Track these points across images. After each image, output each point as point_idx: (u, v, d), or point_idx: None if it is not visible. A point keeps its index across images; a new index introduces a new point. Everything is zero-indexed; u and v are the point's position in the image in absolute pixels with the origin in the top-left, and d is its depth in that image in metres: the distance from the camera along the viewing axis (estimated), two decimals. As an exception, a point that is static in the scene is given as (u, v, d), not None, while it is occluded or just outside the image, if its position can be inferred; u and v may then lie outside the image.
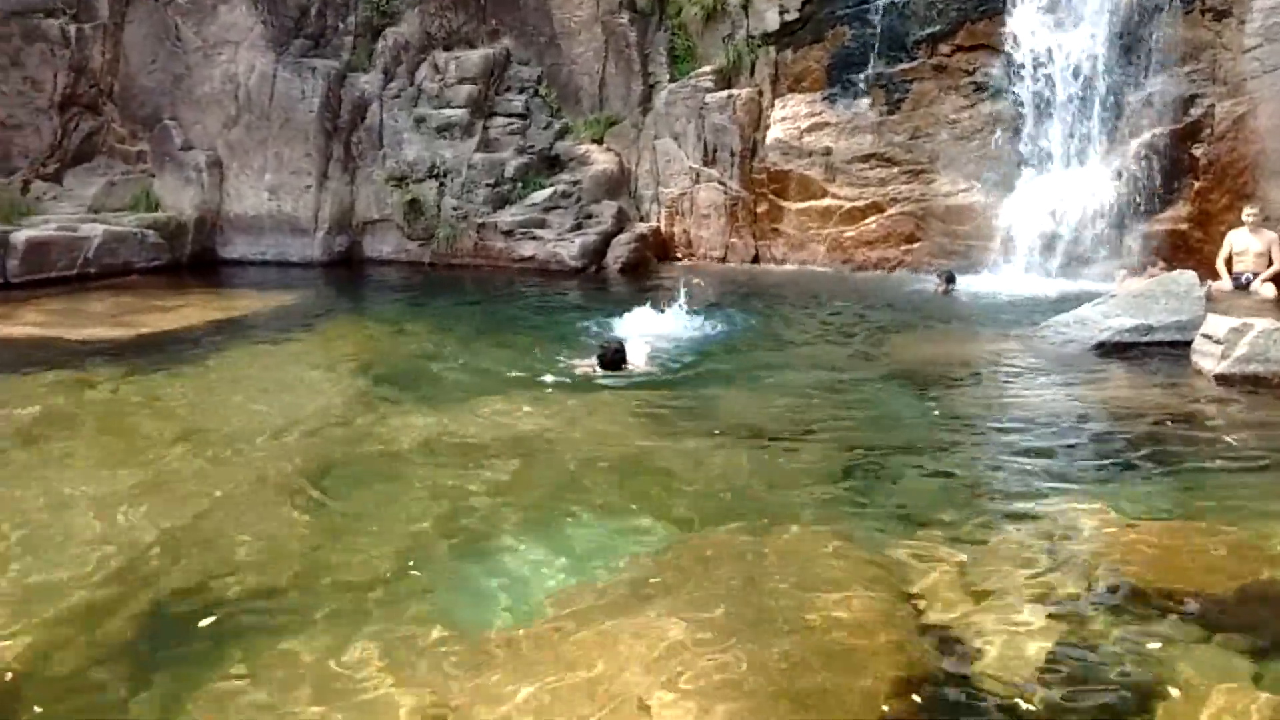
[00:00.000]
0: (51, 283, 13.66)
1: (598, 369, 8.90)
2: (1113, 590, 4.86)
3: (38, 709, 4.09)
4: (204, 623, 4.77)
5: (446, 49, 16.71)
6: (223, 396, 8.69)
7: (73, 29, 16.01)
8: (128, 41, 16.55)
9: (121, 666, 4.44)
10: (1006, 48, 13.70)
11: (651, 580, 4.99)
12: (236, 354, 10.16)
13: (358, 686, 4.14)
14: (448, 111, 16.07)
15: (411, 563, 5.34)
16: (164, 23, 16.46)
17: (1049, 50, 13.46)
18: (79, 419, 8.03)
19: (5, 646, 4.53)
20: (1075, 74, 13.31)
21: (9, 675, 4.32)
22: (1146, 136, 12.84)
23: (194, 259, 15.72)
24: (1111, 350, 9.46)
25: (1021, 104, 13.65)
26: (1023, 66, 13.59)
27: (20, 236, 13.75)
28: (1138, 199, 12.87)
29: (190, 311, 12.14)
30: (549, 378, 8.79)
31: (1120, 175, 12.94)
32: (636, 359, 9.15)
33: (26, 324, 11.35)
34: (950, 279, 12.94)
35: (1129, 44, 13.06)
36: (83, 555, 5.46)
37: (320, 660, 4.35)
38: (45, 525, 5.87)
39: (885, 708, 3.93)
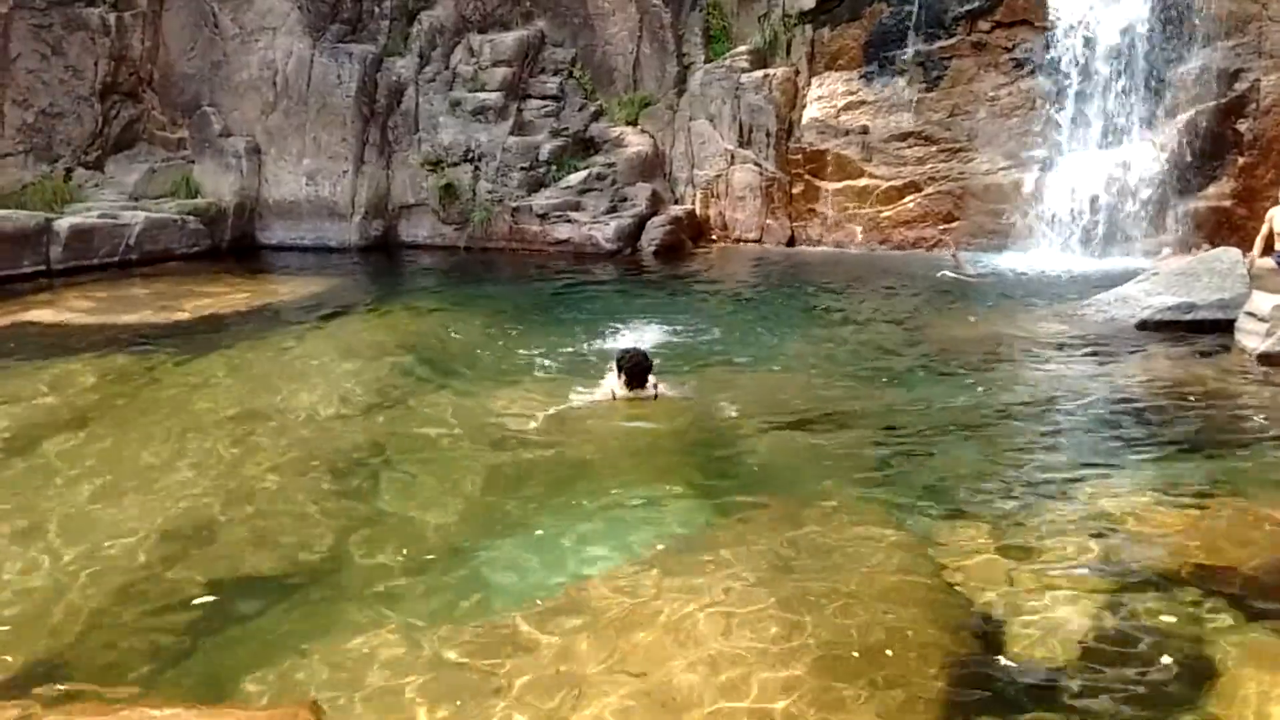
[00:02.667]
0: (94, 269, 13.81)
1: (617, 391, 7.43)
2: (1152, 569, 4.84)
3: (70, 683, 4.18)
4: (246, 598, 4.86)
5: (481, 31, 16.71)
6: (265, 380, 8.78)
7: (112, 17, 16.13)
8: (166, 29, 16.67)
9: (165, 638, 4.53)
10: (1047, 23, 13.53)
11: (694, 558, 5.02)
12: (277, 338, 10.26)
13: (407, 662, 4.19)
14: (482, 95, 16.08)
15: (455, 541, 5.40)
16: (201, 10, 16.56)
17: (1091, 25, 13.27)
18: (125, 402, 8.14)
19: (56, 617, 4.64)
20: (1117, 49, 13.12)
21: (61, 644, 4.42)
22: (1190, 112, 12.65)
23: (233, 244, 15.83)
24: (1154, 328, 9.35)
25: (1062, 80, 13.48)
26: (1064, 42, 13.41)
27: (64, 224, 13.90)
28: (1180, 175, 12.69)
29: (231, 296, 12.26)
30: (579, 390, 7.85)
31: (1163, 151, 12.75)
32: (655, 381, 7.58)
33: (72, 310, 11.50)
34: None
35: (1173, 18, 12.85)
36: (127, 534, 5.56)
37: (365, 636, 4.40)
38: (92, 505, 5.98)
39: (926, 685, 3.93)
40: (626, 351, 7.61)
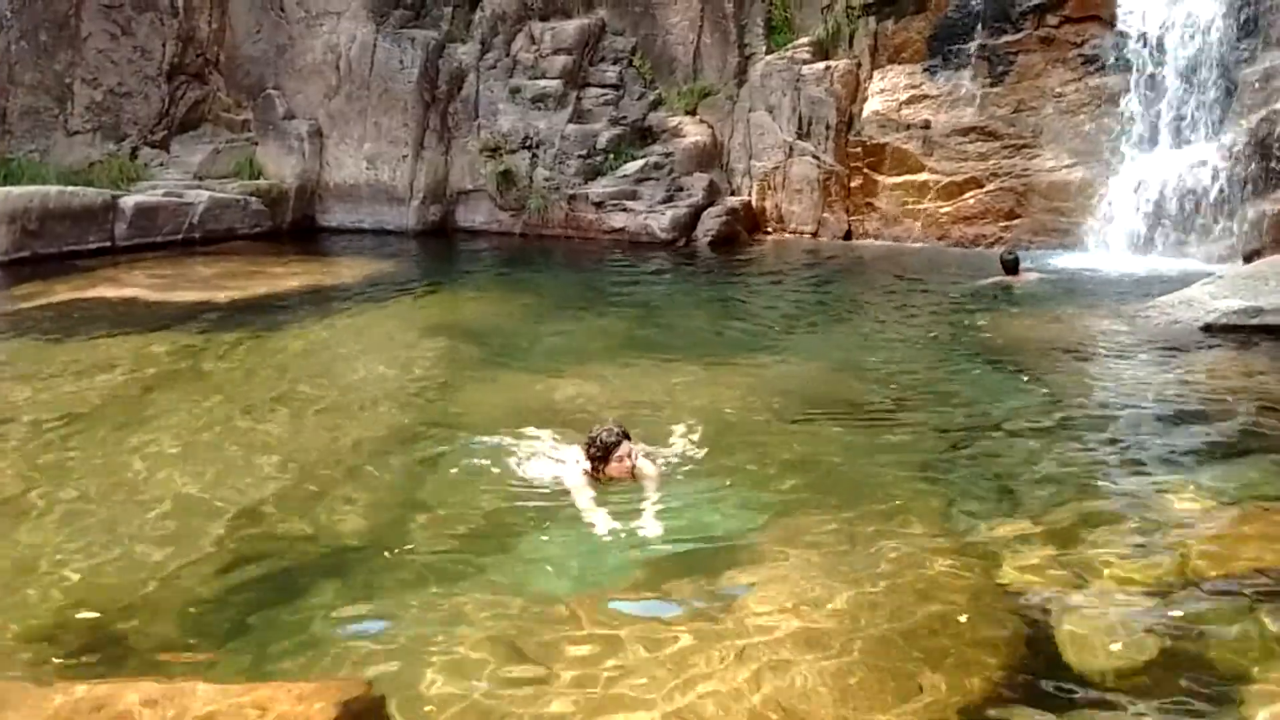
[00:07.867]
0: (157, 246, 14.08)
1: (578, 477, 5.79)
2: (1211, 574, 4.74)
3: (117, 650, 4.25)
4: (298, 574, 4.91)
5: (542, 19, 16.74)
6: (322, 360, 8.90)
7: (181, -1, 16.41)
8: (233, 12, 16.90)
9: (216, 614, 4.60)
10: (1118, 19, 13.28)
11: (747, 554, 5.01)
12: (335, 319, 10.38)
13: (457, 645, 4.21)
14: (542, 82, 16.11)
15: (502, 528, 5.42)
16: (268, -7, 16.79)
17: (1162, 22, 13.01)
18: (185, 379, 8.28)
19: (114, 590, 4.72)
20: (1189, 47, 12.84)
21: (120, 614, 4.50)
22: (1261, 113, 12.32)
23: (294, 226, 16.05)
24: (1219, 332, 9.15)
25: (1131, 78, 13.22)
26: (1134, 39, 13.16)
27: (129, 201, 14.19)
28: (1250, 178, 12.39)
29: (291, 277, 12.42)
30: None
31: (1232, 152, 12.46)
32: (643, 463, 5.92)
33: (135, 286, 11.71)
34: (1013, 266, 11.70)
35: (1247, 16, 12.55)
36: (180, 510, 5.65)
37: (414, 619, 4.43)
38: (146, 480, 6.09)
39: (974, 682, 3.89)
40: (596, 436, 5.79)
